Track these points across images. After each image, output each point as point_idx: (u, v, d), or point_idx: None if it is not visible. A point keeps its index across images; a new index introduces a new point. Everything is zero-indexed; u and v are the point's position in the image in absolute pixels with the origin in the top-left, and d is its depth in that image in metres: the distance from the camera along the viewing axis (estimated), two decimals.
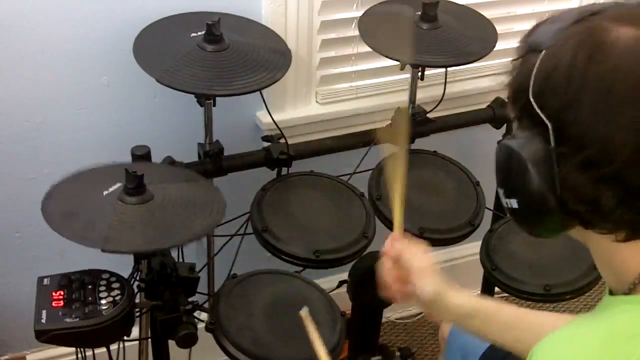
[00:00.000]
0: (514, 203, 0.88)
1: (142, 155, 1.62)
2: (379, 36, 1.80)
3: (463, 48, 1.80)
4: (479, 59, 1.84)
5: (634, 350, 0.77)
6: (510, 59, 0.90)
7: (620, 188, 0.80)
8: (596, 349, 0.79)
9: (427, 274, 1.24)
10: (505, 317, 1.22)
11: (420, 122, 1.94)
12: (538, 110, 0.82)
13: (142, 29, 1.66)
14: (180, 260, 1.65)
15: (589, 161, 0.80)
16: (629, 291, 0.86)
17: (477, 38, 1.84)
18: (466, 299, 1.25)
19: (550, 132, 0.81)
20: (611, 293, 0.91)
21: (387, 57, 1.78)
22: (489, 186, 2.04)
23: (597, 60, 0.79)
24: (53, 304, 1.38)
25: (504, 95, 2.18)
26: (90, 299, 1.39)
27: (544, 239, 0.92)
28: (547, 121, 0.81)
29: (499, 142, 0.91)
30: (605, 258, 0.90)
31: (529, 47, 0.86)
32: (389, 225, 1.76)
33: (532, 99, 0.83)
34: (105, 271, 1.46)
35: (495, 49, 1.85)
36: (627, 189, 0.80)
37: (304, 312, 1.34)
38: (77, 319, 1.36)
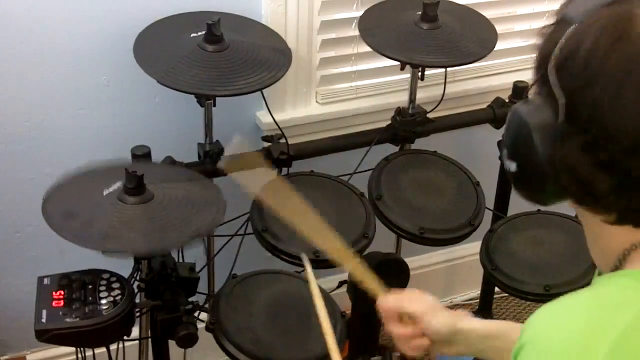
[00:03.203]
0: (513, 166, 0.90)
1: (142, 155, 1.63)
2: (379, 36, 1.80)
3: (463, 48, 1.80)
4: (479, 59, 1.84)
5: (620, 318, 0.79)
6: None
7: (616, 174, 0.81)
8: (583, 317, 0.81)
9: (435, 311, 1.20)
10: None
11: (420, 122, 1.94)
12: (554, 83, 0.83)
13: (142, 29, 1.66)
14: (181, 260, 1.65)
15: (591, 144, 0.81)
16: (615, 268, 0.88)
17: (477, 38, 1.84)
18: (484, 322, 1.21)
19: (560, 107, 0.83)
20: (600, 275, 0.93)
21: (387, 56, 1.78)
22: (489, 186, 2.05)
23: (619, 48, 0.80)
24: (53, 304, 1.38)
25: (504, 95, 2.19)
26: (90, 298, 1.39)
27: (543, 205, 0.93)
28: (559, 96, 0.83)
29: (513, 105, 0.92)
30: (594, 235, 0.92)
31: (562, 18, 0.86)
32: (389, 225, 1.76)
33: (551, 71, 0.84)
34: (105, 271, 1.46)
35: (495, 49, 1.85)
36: (623, 177, 0.81)
37: None
38: (77, 319, 1.36)
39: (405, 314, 1.20)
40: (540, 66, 0.87)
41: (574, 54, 0.82)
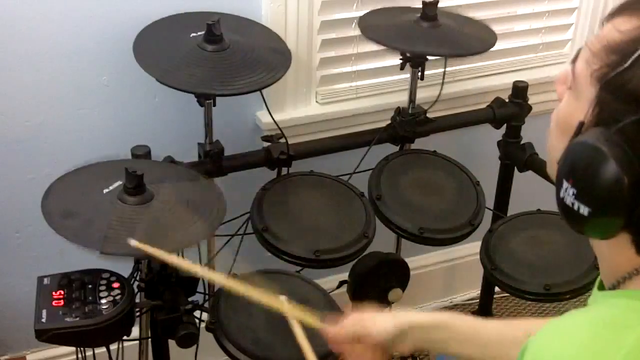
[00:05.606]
0: (584, 209, 0.80)
1: (142, 155, 1.63)
2: (380, 31, 1.80)
3: (463, 43, 1.81)
4: (480, 52, 1.84)
5: (624, 340, 0.77)
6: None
7: None
8: (589, 337, 0.79)
9: (373, 319, 1.22)
10: (485, 333, 1.18)
11: (420, 122, 1.94)
12: None
13: (142, 29, 1.66)
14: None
15: None
16: (617, 284, 0.86)
17: (477, 38, 1.84)
18: (423, 314, 1.25)
19: None
20: (600, 287, 0.92)
21: (387, 46, 1.78)
22: (489, 186, 2.05)
23: None
24: (53, 304, 1.38)
25: (504, 95, 2.18)
26: (90, 298, 1.39)
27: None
28: None
29: (584, 143, 0.79)
30: (608, 255, 0.89)
31: None
32: (389, 225, 1.76)
33: None
34: (105, 271, 1.46)
35: (495, 48, 1.85)
36: None
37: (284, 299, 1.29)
38: (77, 319, 1.35)
39: (354, 336, 1.22)
40: (631, 101, 0.75)
41: None
